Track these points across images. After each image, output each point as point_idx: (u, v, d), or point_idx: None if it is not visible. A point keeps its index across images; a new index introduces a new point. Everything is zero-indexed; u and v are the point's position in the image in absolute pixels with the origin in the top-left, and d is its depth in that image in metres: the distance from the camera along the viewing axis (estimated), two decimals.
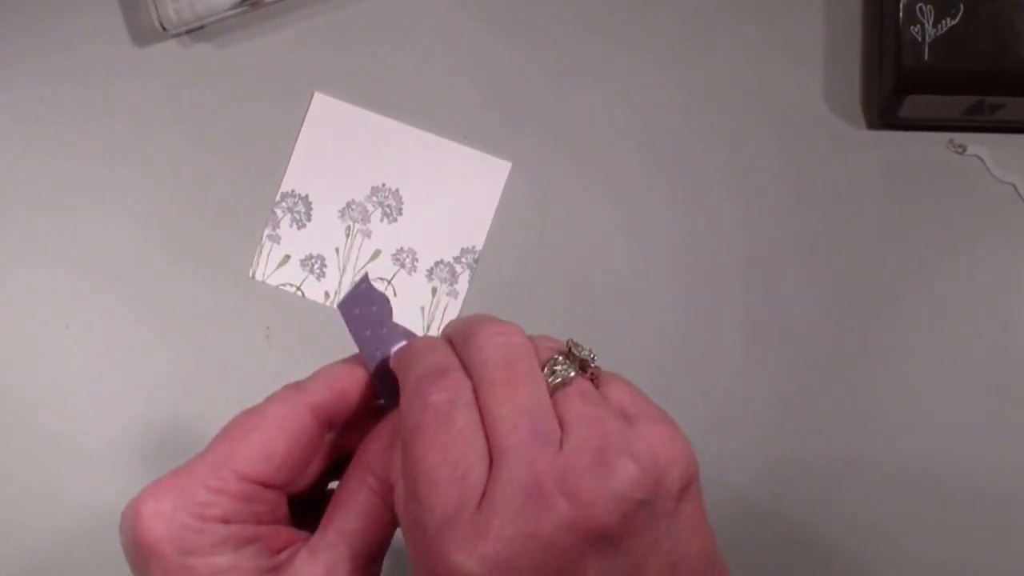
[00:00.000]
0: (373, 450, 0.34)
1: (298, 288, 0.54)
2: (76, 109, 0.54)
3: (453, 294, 0.54)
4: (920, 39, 0.51)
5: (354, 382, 0.35)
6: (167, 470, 0.50)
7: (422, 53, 0.55)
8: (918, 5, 0.51)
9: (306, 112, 0.54)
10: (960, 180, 0.54)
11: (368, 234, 0.54)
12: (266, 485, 0.33)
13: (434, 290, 0.54)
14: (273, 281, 0.54)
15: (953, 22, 0.51)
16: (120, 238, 0.54)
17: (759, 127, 0.54)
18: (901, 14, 0.51)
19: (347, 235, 0.54)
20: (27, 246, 0.54)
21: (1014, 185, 0.54)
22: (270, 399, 0.34)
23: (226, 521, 0.32)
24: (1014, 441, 0.53)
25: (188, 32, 0.54)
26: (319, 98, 0.54)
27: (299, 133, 0.54)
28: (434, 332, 0.53)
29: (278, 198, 0.54)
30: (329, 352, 0.50)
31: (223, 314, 0.53)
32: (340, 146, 0.54)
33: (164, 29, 0.53)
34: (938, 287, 0.53)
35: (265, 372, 0.54)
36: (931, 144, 0.54)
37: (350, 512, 0.34)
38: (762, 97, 0.54)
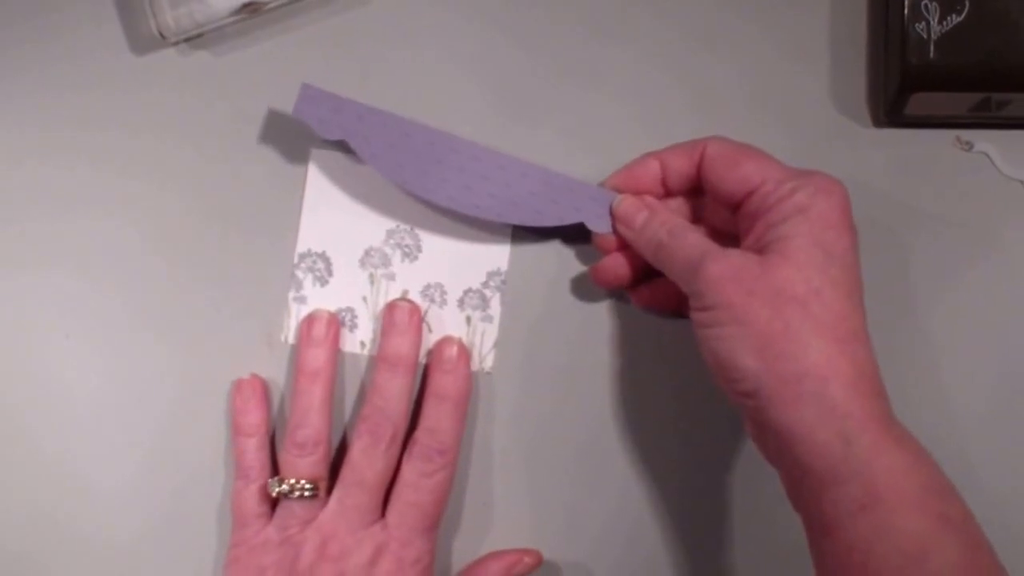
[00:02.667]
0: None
1: None
2: (75, 117, 0.54)
3: (488, 319, 0.54)
4: (925, 36, 0.50)
5: None
6: (167, 490, 0.51)
7: (423, 66, 0.54)
8: (923, 2, 0.50)
9: (306, 170, 0.54)
10: (967, 177, 0.53)
11: (392, 277, 0.54)
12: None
13: (468, 319, 0.54)
14: None
15: (959, 19, 0.50)
16: (123, 247, 0.54)
17: (764, 126, 0.53)
18: (906, 11, 0.50)
19: (371, 282, 0.54)
20: (25, 256, 0.54)
21: (1021, 182, 0.53)
22: None
23: None
24: (1021, 441, 0.52)
25: (187, 40, 0.54)
26: (316, 153, 0.54)
27: (304, 192, 0.54)
28: (476, 361, 0.54)
29: (296, 260, 0.54)
30: None
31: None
32: (347, 197, 0.54)
33: (163, 37, 0.52)
34: (946, 285, 0.53)
35: None
36: (938, 141, 0.54)
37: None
38: (767, 96, 0.54)
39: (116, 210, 0.54)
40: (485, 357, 0.53)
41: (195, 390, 0.53)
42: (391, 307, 0.52)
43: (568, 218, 0.51)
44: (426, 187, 0.51)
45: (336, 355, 0.52)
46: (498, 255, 0.54)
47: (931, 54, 0.50)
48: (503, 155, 0.51)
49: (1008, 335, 0.53)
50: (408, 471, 0.50)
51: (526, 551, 0.52)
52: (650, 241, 0.49)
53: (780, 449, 0.43)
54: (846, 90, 0.54)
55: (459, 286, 0.54)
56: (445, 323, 0.54)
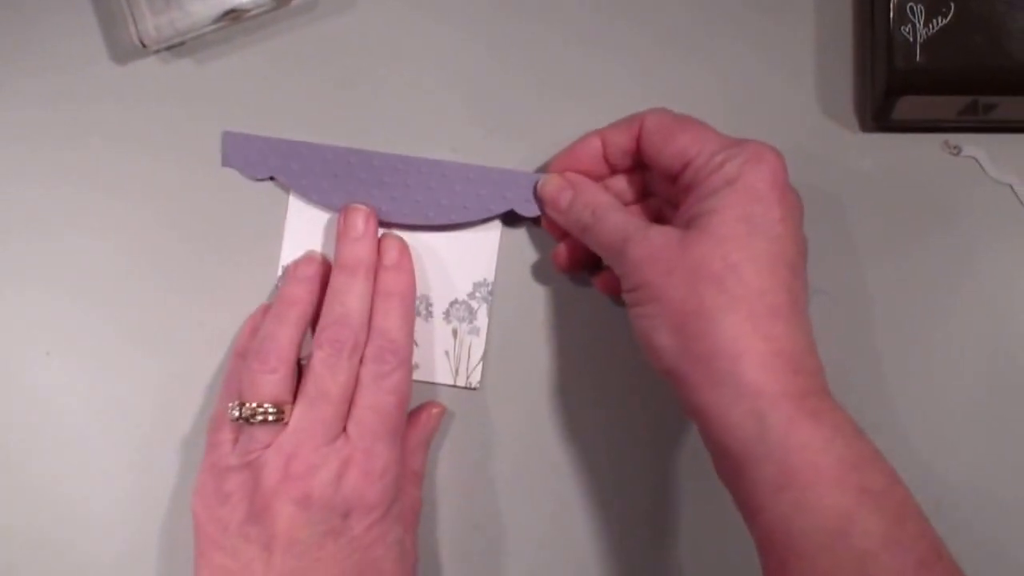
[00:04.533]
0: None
1: None
2: (57, 129, 0.53)
3: (475, 331, 0.53)
4: (911, 39, 0.50)
5: None
6: (152, 506, 0.50)
7: (404, 73, 0.54)
8: (908, 5, 0.50)
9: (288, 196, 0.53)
10: (956, 182, 0.53)
11: None
12: None
13: (455, 331, 0.53)
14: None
15: (944, 21, 0.50)
16: (105, 262, 0.53)
17: (750, 133, 0.52)
18: (892, 14, 0.50)
19: None
20: (4, 271, 0.53)
21: (1011, 186, 0.53)
22: None
23: None
24: (1013, 443, 0.52)
25: (169, 48, 0.53)
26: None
27: (287, 204, 0.53)
28: (462, 376, 0.53)
29: (280, 273, 0.53)
30: None
31: None
32: (331, 209, 0.53)
33: (144, 46, 0.52)
34: (936, 289, 0.53)
35: None
36: (926, 146, 0.53)
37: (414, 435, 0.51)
38: (753, 103, 0.53)
39: (97, 224, 0.53)
40: (472, 371, 0.53)
41: (179, 407, 0.52)
42: (345, 211, 0.51)
43: (497, 207, 0.51)
44: (378, 210, 0.51)
45: (323, 279, 0.50)
46: (485, 265, 0.53)
47: (917, 57, 0.50)
48: (421, 160, 0.51)
49: (998, 338, 0.52)
50: (364, 375, 0.47)
51: (431, 403, 0.52)
52: (576, 223, 0.48)
53: (701, 430, 0.43)
54: (832, 95, 0.54)
55: (445, 298, 0.53)
56: (431, 336, 0.53)
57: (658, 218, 0.50)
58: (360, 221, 0.50)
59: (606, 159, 0.50)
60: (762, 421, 0.40)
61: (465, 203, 0.51)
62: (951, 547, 0.41)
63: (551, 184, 0.50)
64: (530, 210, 0.51)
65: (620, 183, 0.51)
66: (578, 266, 0.51)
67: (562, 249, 0.51)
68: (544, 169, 0.52)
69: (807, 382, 0.41)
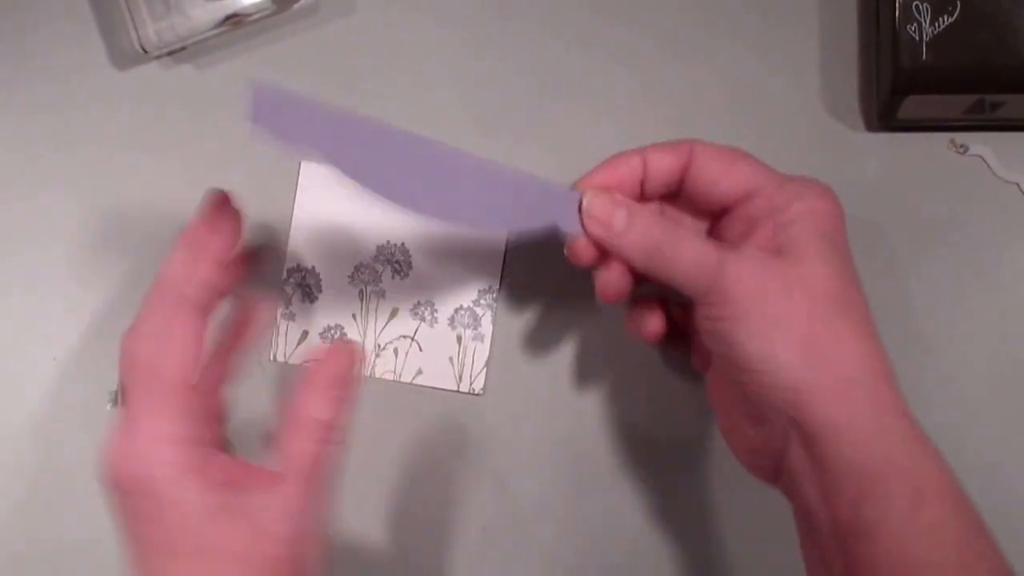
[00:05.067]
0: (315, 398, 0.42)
1: None
2: (59, 135, 0.53)
3: (479, 338, 0.53)
4: (917, 38, 0.50)
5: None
6: None
7: (406, 77, 0.54)
8: (914, 3, 0.50)
9: (296, 183, 0.53)
10: (963, 181, 0.53)
11: (382, 294, 0.53)
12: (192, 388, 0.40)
13: (459, 338, 0.53)
14: (296, 360, 0.53)
15: (951, 19, 0.50)
16: (108, 264, 0.53)
17: (756, 133, 0.53)
18: (898, 13, 0.50)
19: (361, 299, 0.53)
20: (10, 277, 0.53)
21: (1018, 184, 0.52)
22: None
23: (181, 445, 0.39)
24: (1018, 443, 0.52)
25: (170, 54, 0.53)
26: (306, 167, 0.53)
27: (293, 206, 0.53)
28: (466, 382, 0.52)
29: (285, 275, 0.53)
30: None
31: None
32: (337, 211, 0.53)
33: (145, 52, 0.52)
34: (943, 289, 0.52)
35: None
36: (932, 145, 0.53)
37: (300, 455, 0.41)
38: (758, 103, 0.53)
39: (101, 227, 0.53)
40: (476, 377, 0.52)
41: None
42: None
43: (541, 221, 0.45)
44: (393, 191, 0.43)
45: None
46: (490, 272, 0.53)
47: (923, 56, 0.50)
48: (469, 155, 0.44)
49: (1005, 337, 0.52)
50: None
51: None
52: (639, 245, 0.43)
53: (812, 453, 0.41)
54: (838, 95, 0.53)
55: (450, 304, 0.53)
56: (435, 342, 0.53)
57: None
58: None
59: (643, 183, 0.46)
60: (905, 438, 0.41)
61: (514, 211, 0.45)
62: None
63: (601, 201, 0.44)
64: (571, 225, 0.45)
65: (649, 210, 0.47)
66: (625, 295, 0.46)
67: (612, 278, 0.45)
68: (575, 186, 0.47)
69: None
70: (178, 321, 0.41)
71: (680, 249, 0.43)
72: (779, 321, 0.42)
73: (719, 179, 0.45)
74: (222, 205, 0.44)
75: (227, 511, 0.39)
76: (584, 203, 0.44)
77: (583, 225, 0.44)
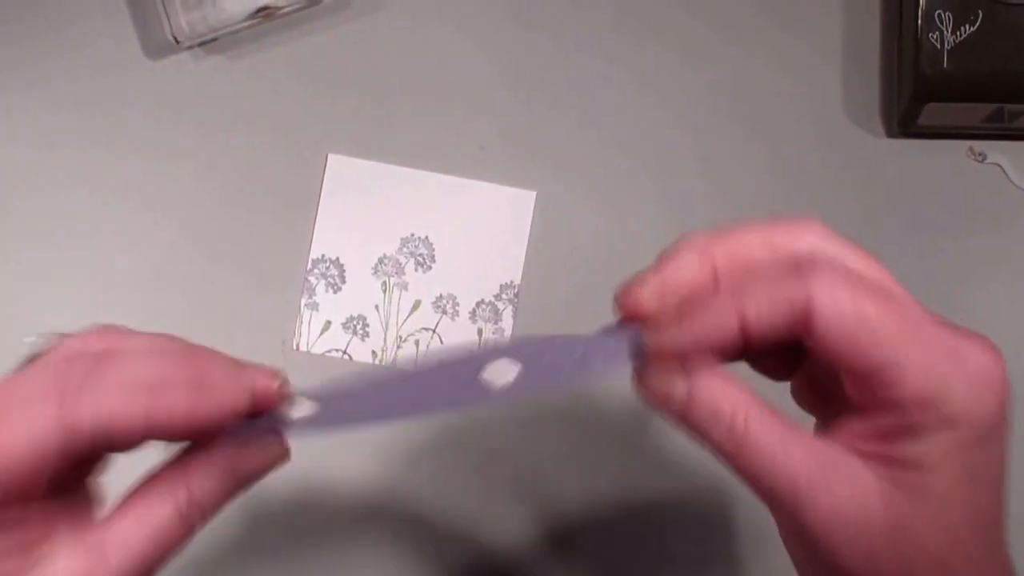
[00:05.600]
0: (200, 473, 0.31)
1: (344, 352, 0.53)
2: (93, 126, 0.53)
3: (499, 332, 0.53)
4: (939, 46, 0.51)
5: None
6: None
7: (437, 71, 0.54)
8: (937, 11, 0.50)
9: (323, 175, 0.54)
10: (980, 189, 0.53)
11: (405, 286, 0.53)
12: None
13: (480, 332, 0.53)
14: (318, 349, 0.53)
15: (972, 28, 0.50)
16: (138, 253, 0.53)
17: (778, 138, 0.53)
18: (920, 21, 0.51)
19: (384, 291, 0.53)
20: (43, 269, 0.53)
21: None
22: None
23: None
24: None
25: (201, 45, 0.54)
26: (333, 159, 0.54)
27: (320, 197, 0.53)
28: None
29: (309, 265, 0.53)
30: None
31: None
32: (362, 203, 0.54)
33: (177, 42, 0.52)
34: (959, 297, 0.53)
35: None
36: (951, 152, 0.54)
37: (140, 524, 0.31)
38: (781, 108, 0.54)
39: (132, 218, 0.53)
40: None
41: None
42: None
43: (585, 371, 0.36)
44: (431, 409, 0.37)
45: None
46: (512, 268, 0.53)
47: (944, 64, 0.50)
48: (496, 347, 0.37)
49: (1022, 345, 0.53)
50: None
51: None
52: (704, 431, 0.32)
53: None
54: (859, 101, 0.54)
55: (471, 298, 0.54)
56: (456, 336, 0.53)
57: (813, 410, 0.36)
58: None
59: (744, 333, 0.31)
60: None
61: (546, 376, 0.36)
62: None
63: (657, 378, 0.33)
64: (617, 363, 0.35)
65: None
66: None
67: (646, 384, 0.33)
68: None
69: None
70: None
71: (750, 449, 0.31)
72: None
73: (849, 354, 0.31)
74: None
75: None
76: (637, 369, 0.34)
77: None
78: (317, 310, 0.53)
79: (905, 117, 0.52)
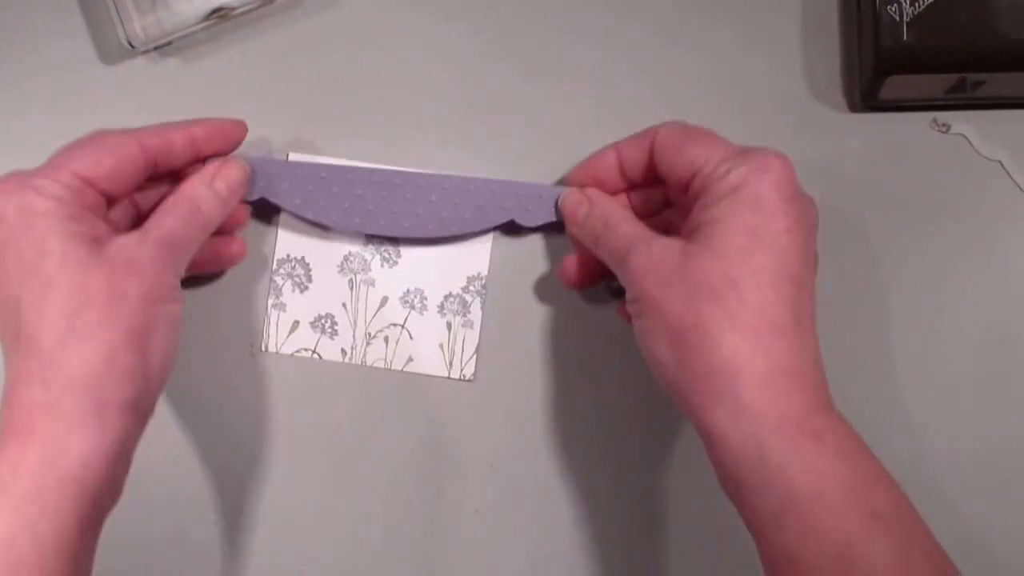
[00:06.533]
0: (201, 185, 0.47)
1: (314, 351, 0.53)
2: (48, 132, 0.52)
3: (468, 324, 0.53)
4: (898, 19, 0.50)
5: (184, 144, 0.47)
6: (146, 502, 0.50)
7: (392, 68, 0.54)
8: None
9: None
10: (946, 159, 0.53)
11: (372, 283, 0.53)
12: (92, 185, 0.44)
13: (449, 325, 0.53)
14: (287, 349, 0.53)
15: (930, 0, 0.50)
16: None
17: (739, 115, 0.53)
18: None
19: (351, 288, 0.53)
20: None
21: (1000, 162, 0.53)
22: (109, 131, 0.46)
23: (58, 199, 0.42)
24: (1002, 426, 0.52)
25: (156, 48, 0.53)
26: (295, 158, 0.53)
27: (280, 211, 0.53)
28: (456, 368, 0.53)
29: (275, 265, 0.53)
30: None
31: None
32: None
33: (132, 47, 0.52)
34: (926, 268, 0.53)
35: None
36: (915, 124, 0.53)
37: (171, 213, 0.45)
38: (741, 84, 0.54)
39: None
40: (466, 364, 0.53)
41: (175, 405, 0.53)
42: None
43: (496, 219, 0.51)
44: (353, 221, 0.51)
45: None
46: (479, 259, 0.53)
47: (904, 36, 0.50)
48: (419, 174, 0.51)
49: (990, 316, 0.52)
50: None
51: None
52: (588, 234, 0.48)
53: (705, 447, 0.41)
54: (820, 75, 0.54)
55: (439, 291, 0.53)
56: (426, 329, 0.53)
57: (673, 231, 0.48)
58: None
59: (622, 173, 0.49)
60: (762, 445, 0.39)
61: (465, 215, 0.51)
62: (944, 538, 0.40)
63: (570, 199, 0.50)
64: (530, 220, 0.51)
65: (638, 197, 0.51)
66: (586, 281, 0.51)
67: (571, 263, 0.50)
68: (563, 181, 0.52)
69: (810, 399, 0.40)
70: (126, 142, 0.45)
71: (610, 237, 0.46)
72: (659, 315, 0.41)
73: (673, 161, 0.46)
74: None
75: (81, 252, 0.41)
76: (560, 199, 0.50)
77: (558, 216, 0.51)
78: (284, 310, 0.53)
79: (867, 91, 0.52)
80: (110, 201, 0.46)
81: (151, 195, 0.49)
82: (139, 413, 0.42)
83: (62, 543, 0.39)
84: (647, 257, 0.43)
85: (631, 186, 0.50)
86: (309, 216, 0.51)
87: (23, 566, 0.38)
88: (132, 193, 0.47)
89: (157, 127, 0.47)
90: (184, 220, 0.46)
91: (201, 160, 0.49)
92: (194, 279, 0.53)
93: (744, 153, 0.43)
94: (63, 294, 0.40)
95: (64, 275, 0.41)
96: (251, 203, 0.52)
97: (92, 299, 0.41)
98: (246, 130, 0.50)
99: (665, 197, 0.50)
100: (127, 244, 0.43)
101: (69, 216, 0.42)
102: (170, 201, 0.47)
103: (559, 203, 0.51)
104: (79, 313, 0.40)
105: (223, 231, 0.51)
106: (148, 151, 0.46)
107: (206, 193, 0.47)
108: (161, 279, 0.43)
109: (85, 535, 0.40)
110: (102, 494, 0.40)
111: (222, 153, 0.49)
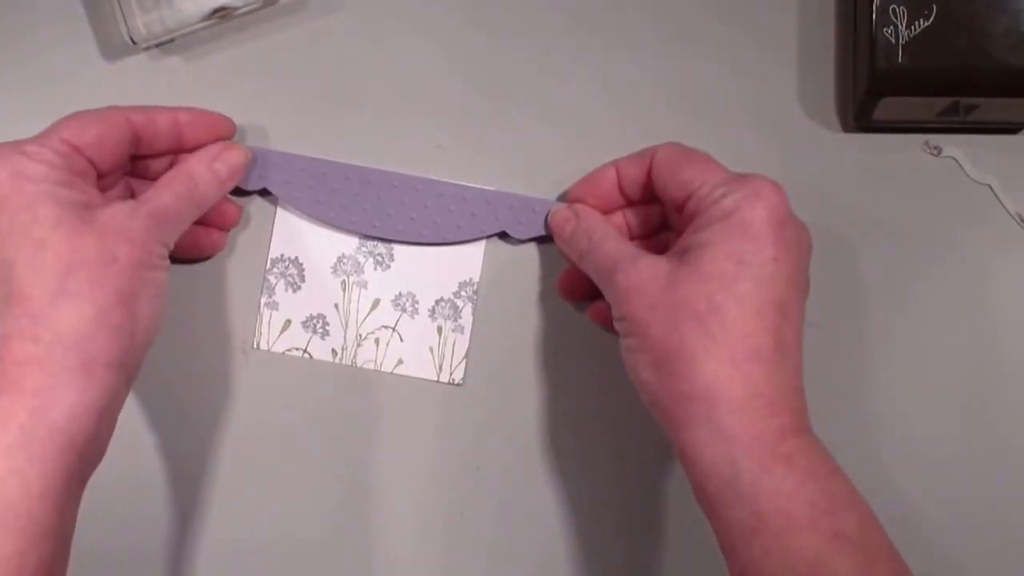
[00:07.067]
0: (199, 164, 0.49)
1: (304, 351, 0.53)
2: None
3: (459, 329, 0.54)
4: (894, 41, 0.51)
5: (168, 125, 0.48)
6: (135, 504, 0.50)
7: (394, 71, 0.54)
8: (891, 6, 0.51)
9: None
10: (936, 182, 0.54)
11: (364, 285, 0.54)
12: (80, 151, 0.45)
13: (439, 329, 0.54)
14: (278, 348, 0.53)
15: (927, 23, 0.50)
16: None
17: (733, 132, 0.54)
18: (874, 16, 0.51)
19: (343, 289, 0.54)
20: None
21: (990, 186, 0.53)
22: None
23: (49, 163, 0.43)
24: (988, 441, 0.53)
25: (158, 46, 0.54)
26: None
27: (275, 210, 0.54)
28: (446, 372, 0.54)
29: (268, 265, 0.54)
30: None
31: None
32: None
33: (134, 43, 0.53)
34: (915, 290, 0.53)
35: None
36: (906, 146, 0.54)
37: (168, 187, 0.47)
38: (736, 102, 0.54)
39: None
40: (455, 368, 0.54)
41: (166, 400, 0.53)
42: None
43: (489, 228, 0.52)
44: (349, 220, 0.52)
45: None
46: (471, 265, 0.54)
47: (899, 58, 0.51)
48: (418, 178, 0.52)
49: (978, 339, 0.53)
50: None
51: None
52: (575, 250, 0.49)
53: (681, 464, 0.43)
54: (815, 95, 0.54)
55: (431, 295, 0.54)
56: (416, 333, 0.54)
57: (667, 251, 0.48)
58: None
59: (621, 190, 0.50)
60: (735, 466, 0.40)
61: (459, 223, 0.52)
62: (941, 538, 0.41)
63: (558, 214, 0.51)
64: (522, 232, 0.52)
65: (636, 215, 0.51)
66: (578, 295, 0.52)
67: (563, 276, 0.52)
68: (564, 195, 0.53)
69: (786, 423, 0.41)
70: (112, 113, 0.47)
71: (596, 254, 0.47)
72: (644, 336, 0.42)
73: (669, 181, 0.47)
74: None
75: (73, 216, 0.43)
76: (549, 215, 0.52)
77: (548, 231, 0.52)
78: (277, 309, 0.54)
79: (860, 112, 0.52)
80: (100, 175, 0.47)
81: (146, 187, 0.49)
82: (125, 371, 0.43)
83: (48, 492, 0.40)
84: (634, 275, 0.44)
85: (630, 203, 0.51)
86: (306, 211, 0.52)
87: (11, 510, 0.39)
88: (119, 169, 0.49)
89: (144, 106, 0.49)
90: (179, 195, 0.47)
91: (186, 149, 0.50)
92: (189, 273, 0.53)
93: (739, 179, 0.44)
94: (55, 255, 0.42)
95: (56, 237, 0.42)
96: (250, 194, 0.52)
97: (84, 261, 0.42)
98: (234, 126, 0.51)
99: (663, 216, 0.51)
100: (120, 211, 0.44)
101: (60, 181, 0.43)
102: (169, 174, 0.48)
103: (548, 218, 0.52)
104: (71, 273, 0.42)
105: (216, 227, 0.51)
106: (133, 124, 0.47)
107: (205, 172, 0.48)
108: (150, 247, 0.44)
109: (71, 487, 0.41)
110: (88, 449, 0.41)
111: (206, 143, 0.50)
